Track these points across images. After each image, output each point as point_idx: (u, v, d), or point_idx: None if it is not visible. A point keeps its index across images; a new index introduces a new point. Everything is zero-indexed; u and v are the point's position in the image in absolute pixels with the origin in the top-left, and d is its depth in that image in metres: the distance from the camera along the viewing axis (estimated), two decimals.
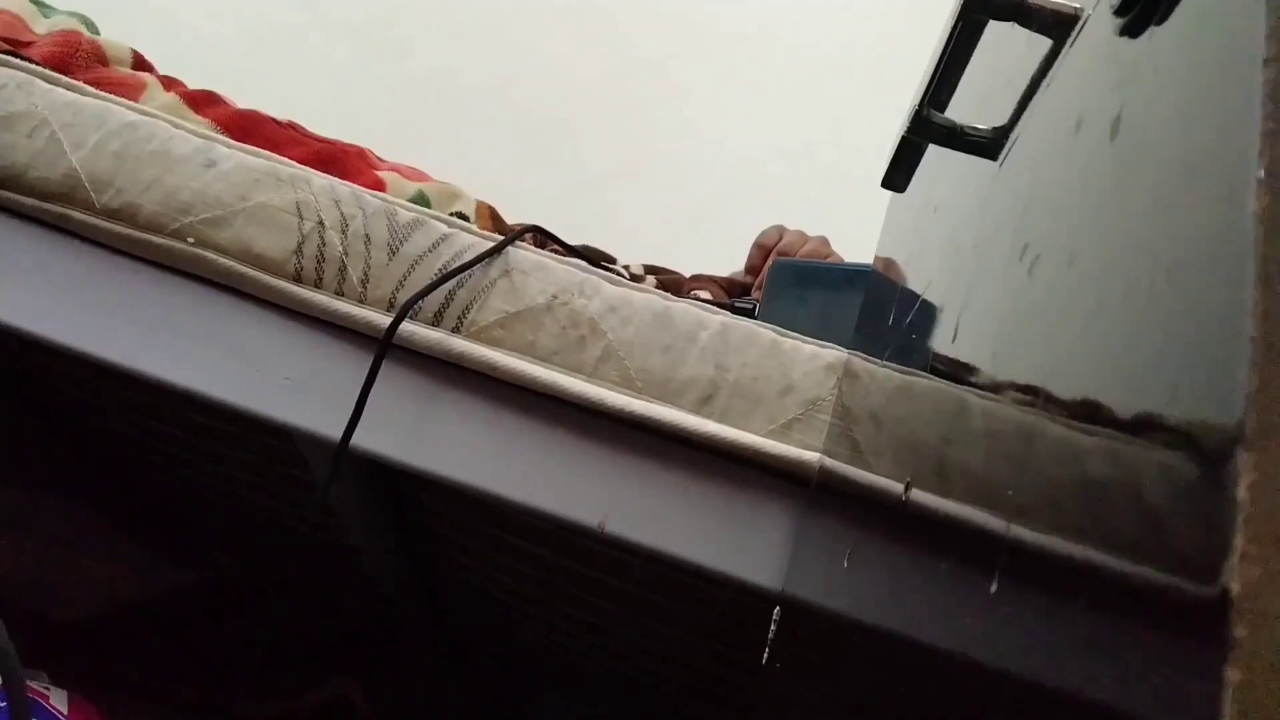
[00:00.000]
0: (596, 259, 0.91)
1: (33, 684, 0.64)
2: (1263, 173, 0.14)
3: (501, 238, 0.63)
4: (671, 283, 0.95)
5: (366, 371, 0.58)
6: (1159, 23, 0.22)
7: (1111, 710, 0.14)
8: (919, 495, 0.31)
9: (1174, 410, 0.15)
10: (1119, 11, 0.24)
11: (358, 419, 0.56)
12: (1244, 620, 0.11)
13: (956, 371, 0.33)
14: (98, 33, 0.90)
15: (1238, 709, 0.11)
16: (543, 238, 0.75)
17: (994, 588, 0.20)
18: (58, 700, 0.63)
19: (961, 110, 0.45)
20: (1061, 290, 0.22)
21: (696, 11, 1.67)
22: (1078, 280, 0.21)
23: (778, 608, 0.55)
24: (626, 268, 0.93)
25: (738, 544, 0.56)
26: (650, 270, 0.97)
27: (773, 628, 0.55)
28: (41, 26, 0.86)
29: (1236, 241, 0.14)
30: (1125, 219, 0.19)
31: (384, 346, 0.57)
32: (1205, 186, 0.16)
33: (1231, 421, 0.13)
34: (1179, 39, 0.20)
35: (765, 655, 0.55)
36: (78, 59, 0.80)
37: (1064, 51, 0.33)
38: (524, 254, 0.62)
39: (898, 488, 0.34)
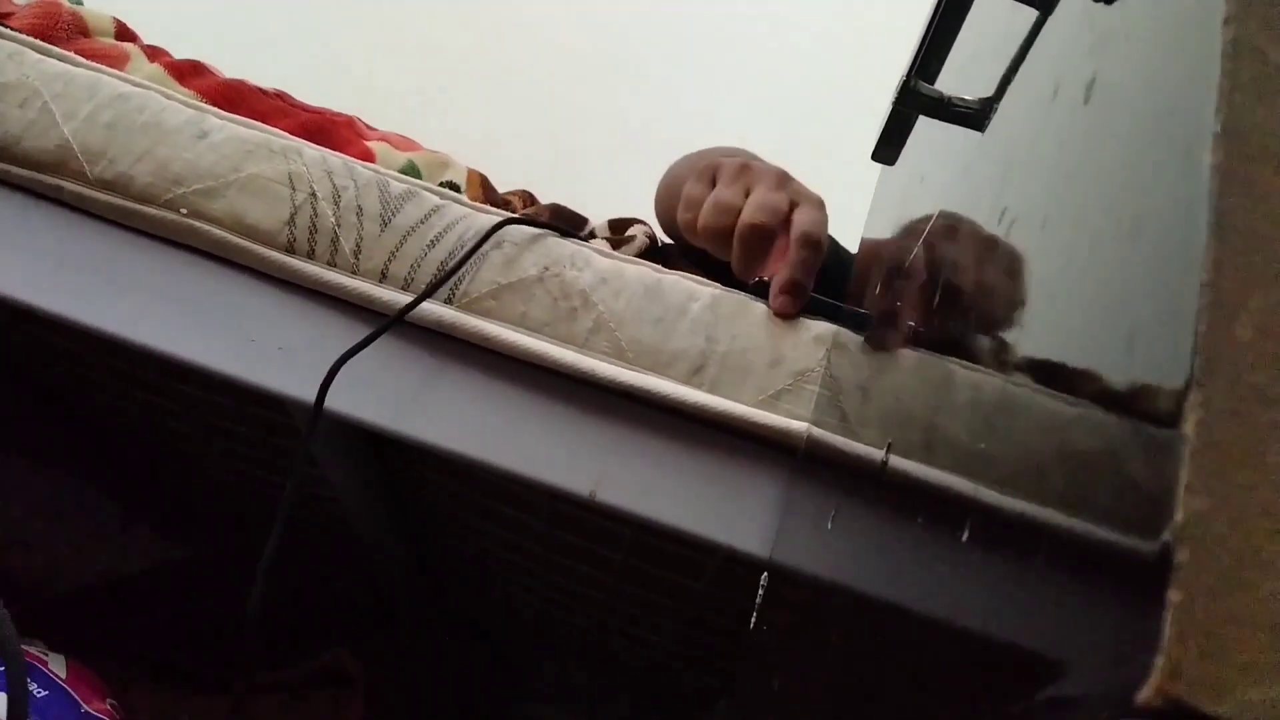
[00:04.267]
0: (571, 218, 0.91)
1: (31, 649, 0.65)
2: (1219, 127, 0.15)
3: (489, 207, 0.64)
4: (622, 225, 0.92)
5: (360, 341, 0.59)
6: None
7: (1038, 654, 0.15)
8: (897, 460, 0.32)
9: (1133, 358, 0.16)
10: None
11: (332, 377, 0.56)
12: (1186, 546, 0.12)
13: (937, 340, 0.33)
14: (79, 1, 0.89)
15: (1177, 629, 0.12)
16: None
17: (965, 536, 0.21)
18: (56, 665, 0.64)
19: (951, 82, 0.46)
20: (1035, 250, 0.23)
21: None
22: (1050, 240, 0.22)
23: (765, 573, 0.56)
24: (593, 232, 0.91)
25: (726, 511, 0.57)
26: (614, 226, 0.94)
27: (760, 593, 0.56)
28: None
29: (1194, 194, 0.15)
30: (1095, 179, 0.20)
31: (396, 319, 0.58)
32: (1168, 143, 0.17)
33: (1182, 362, 0.13)
34: (1149, 2, 0.21)
35: (753, 620, 0.56)
36: (59, 30, 0.80)
37: (1048, 22, 0.33)
38: (516, 226, 0.63)
39: (878, 453, 0.35)
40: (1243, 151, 0.15)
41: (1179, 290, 0.14)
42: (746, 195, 0.64)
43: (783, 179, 0.65)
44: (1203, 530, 0.12)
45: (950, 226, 0.37)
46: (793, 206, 0.63)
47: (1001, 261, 0.26)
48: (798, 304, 0.61)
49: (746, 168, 0.66)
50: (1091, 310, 0.18)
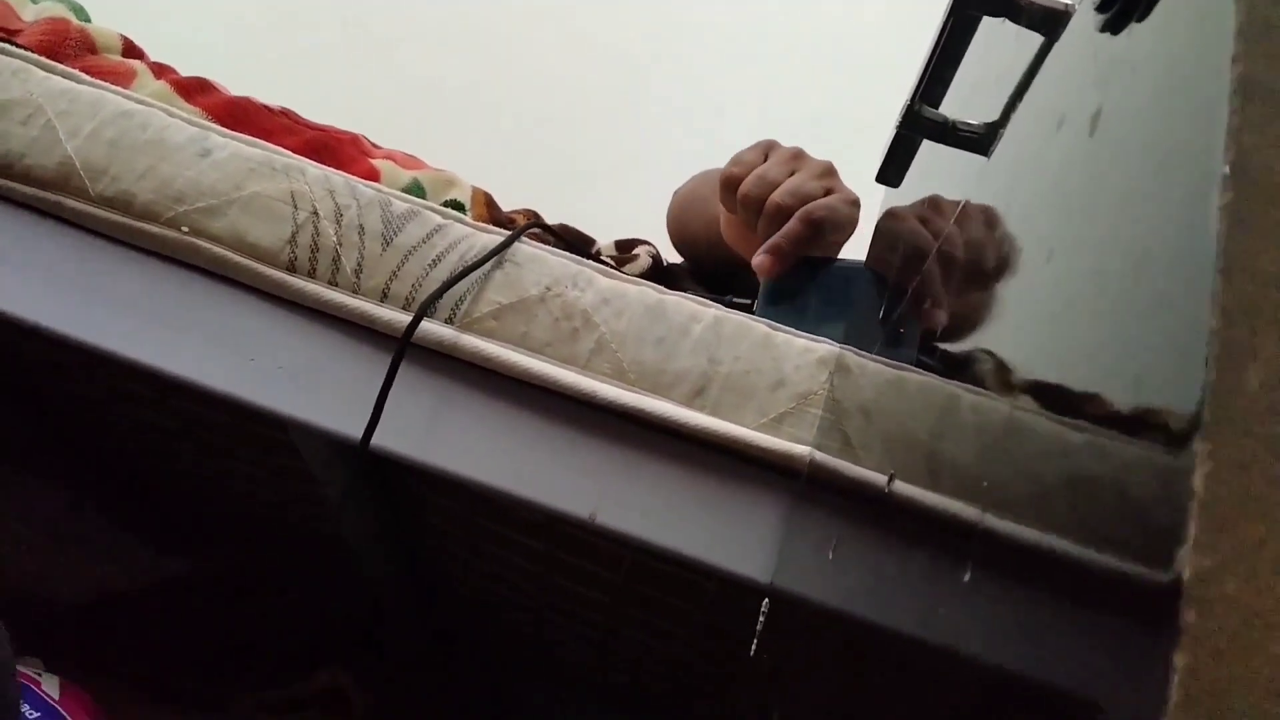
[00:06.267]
0: (578, 238, 0.91)
1: (25, 670, 0.64)
2: (1228, 169, 0.15)
3: (493, 226, 0.63)
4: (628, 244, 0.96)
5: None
6: (1139, 19, 0.22)
7: (1070, 692, 0.14)
8: (901, 487, 0.32)
9: (1139, 401, 0.15)
10: (1101, 8, 0.24)
11: (376, 422, 0.57)
12: (1194, 606, 0.12)
13: (941, 365, 0.33)
14: (88, 19, 0.90)
15: (1184, 693, 0.11)
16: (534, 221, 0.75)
17: (967, 577, 0.20)
18: (49, 686, 0.63)
19: (957, 106, 0.45)
20: (1041, 284, 0.22)
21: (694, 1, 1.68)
22: (1056, 274, 0.21)
23: (766, 600, 0.55)
24: (598, 253, 0.93)
25: (728, 536, 0.57)
26: (620, 246, 0.97)
27: (761, 619, 0.55)
28: (29, 13, 0.85)
29: (1201, 236, 0.14)
30: (1100, 214, 0.20)
31: (403, 345, 0.58)
32: (1175, 182, 0.16)
33: (1190, 412, 0.13)
34: (1157, 36, 0.20)
35: (753, 646, 0.56)
36: (66, 47, 0.80)
37: (1054, 48, 0.33)
38: (519, 245, 0.63)
39: (881, 480, 0.34)
40: (1252, 193, 0.14)
41: (1187, 336, 0.14)
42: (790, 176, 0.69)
43: (828, 171, 0.70)
44: (1210, 590, 0.12)
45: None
46: (826, 194, 0.67)
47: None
48: (775, 266, 0.67)
49: (800, 154, 0.72)
50: (1098, 352, 0.17)
